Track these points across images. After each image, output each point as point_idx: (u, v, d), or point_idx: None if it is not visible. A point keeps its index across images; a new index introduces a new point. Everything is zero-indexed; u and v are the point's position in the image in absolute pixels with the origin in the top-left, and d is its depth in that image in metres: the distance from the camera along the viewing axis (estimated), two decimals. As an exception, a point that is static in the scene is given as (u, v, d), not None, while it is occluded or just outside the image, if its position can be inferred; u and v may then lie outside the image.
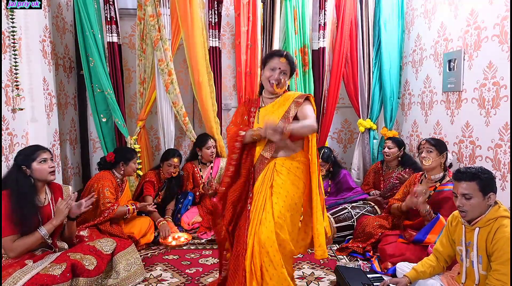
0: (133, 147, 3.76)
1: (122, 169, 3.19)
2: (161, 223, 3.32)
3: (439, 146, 2.76)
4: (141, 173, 3.82)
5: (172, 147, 3.86)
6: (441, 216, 2.59)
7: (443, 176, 2.76)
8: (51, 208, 2.32)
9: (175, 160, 3.58)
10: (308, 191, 2.20)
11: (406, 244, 2.69)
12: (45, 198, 2.32)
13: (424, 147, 2.79)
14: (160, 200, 3.64)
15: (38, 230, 2.17)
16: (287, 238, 2.06)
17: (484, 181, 1.88)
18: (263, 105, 2.26)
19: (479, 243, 1.91)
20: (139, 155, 3.85)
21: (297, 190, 2.14)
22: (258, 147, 2.18)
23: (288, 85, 2.29)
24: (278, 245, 2.01)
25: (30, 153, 2.24)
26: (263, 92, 2.29)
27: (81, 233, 2.76)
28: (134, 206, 3.12)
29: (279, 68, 2.13)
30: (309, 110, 2.14)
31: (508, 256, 1.79)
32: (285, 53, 2.17)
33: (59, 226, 2.30)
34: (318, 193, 2.14)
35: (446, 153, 2.77)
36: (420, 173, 2.97)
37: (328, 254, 3.05)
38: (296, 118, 2.13)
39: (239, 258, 2.07)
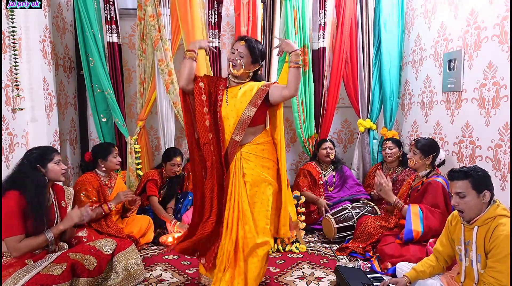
0: (133, 147, 3.76)
1: (103, 166, 3.09)
2: (177, 224, 3.36)
3: (424, 150, 2.85)
4: (141, 173, 3.82)
5: (175, 147, 3.84)
6: (411, 206, 2.75)
7: (430, 171, 2.88)
8: (55, 208, 2.33)
9: (178, 159, 3.57)
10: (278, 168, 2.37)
11: (405, 245, 2.70)
12: (49, 199, 2.31)
13: (411, 148, 2.92)
14: (160, 199, 3.64)
15: (44, 233, 2.17)
16: (266, 224, 2.23)
17: (477, 179, 1.91)
18: (229, 86, 2.36)
19: (478, 242, 1.92)
20: (139, 155, 3.85)
21: (268, 170, 2.29)
22: (227, 132, 2.29)
23: (258, 74, 2.41)
24: (257, 232, 2.19)
25: (45, 153, 2.25)
26: (229, 75, 2.39)
27: (79, 233, 2.74)
28: (108, 206, 2.95)
29: (237, 50, 2.25)
30: (281, 85, 2.28)
31: (505, 254, 1.80)
32: (246, 37, 2.28)
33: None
34: (285, 173, 2.37)
35: (433, 156, 2.86)
36: (415, 174, 3.03)
37: (328, 254, 3.06)
38: (267, 101, 2.27)
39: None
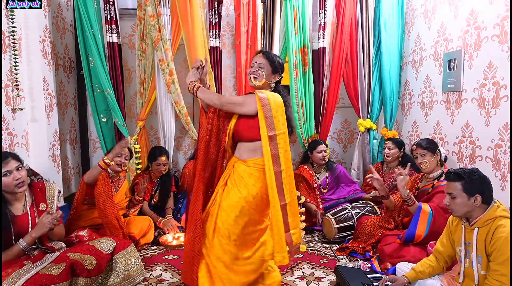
0: (133, 147, 3.76)
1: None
2: (162, 221, 3.35)
3: (430, 147, 2.78)
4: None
5: (161, 146, 3.80)
6: (422, 204, 2.61)
7: (441, 173, 2.79)
8: (29, 216, 2.22)
9: (163, 158, 3.53)
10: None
11: (406, 246, 2.68)
12: (23, 205, 2.22)
13: (417, 153, 2.81)
14: (156, 200, 3.63)
15: (17, 243, 2.11)
16: (224, 232, 2.14)
17: (469, 183, 1.91)
18: None
19: (478, 243, 1.92)
20: (139, 155, 3.86)
21: (247, 194, 2.14)
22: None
23: (279, 86, 2.31)
24: (216, 236, 2.15)
25: None
26: None
27: (81, 233, 2.75)
28: (104, 162, 2.84)
29: (256, 62, 2.27)
30: (239, 96, 2.30)
31: (507, 256, 1.79)
32: (263, 50, 2.33)
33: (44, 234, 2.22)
34: (278, 203, 2.07)
35: (439, 150, 2.81)
36: (422, 173, 2.97)
37: (328, 254, 3.06)
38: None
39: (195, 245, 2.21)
